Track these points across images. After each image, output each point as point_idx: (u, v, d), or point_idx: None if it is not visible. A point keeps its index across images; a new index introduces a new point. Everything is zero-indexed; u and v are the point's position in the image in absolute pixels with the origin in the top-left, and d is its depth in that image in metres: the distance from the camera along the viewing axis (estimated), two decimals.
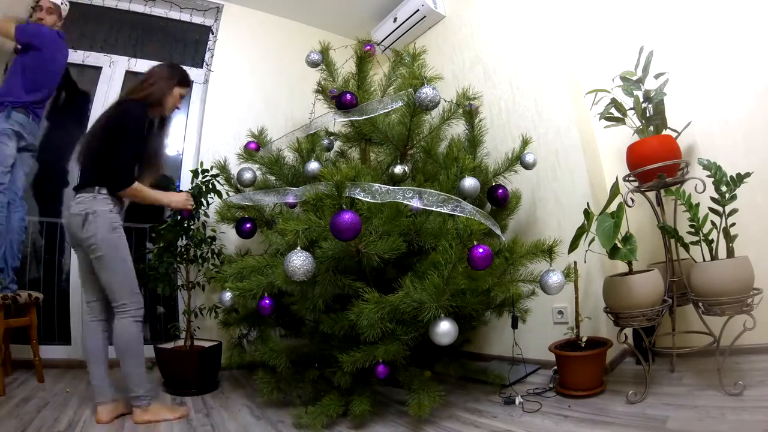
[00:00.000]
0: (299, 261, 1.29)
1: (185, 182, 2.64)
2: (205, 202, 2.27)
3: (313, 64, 2.17)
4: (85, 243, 1.62)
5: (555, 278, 1.53)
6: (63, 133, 2.72)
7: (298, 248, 1.32)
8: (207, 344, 2.21)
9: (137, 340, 1.66)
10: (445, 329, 1.30)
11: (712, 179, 1.52)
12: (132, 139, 1.67)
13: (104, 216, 1.62)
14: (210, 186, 2.28)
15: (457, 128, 2.11)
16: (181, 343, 2.20)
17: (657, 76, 1.79)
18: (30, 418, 1.59)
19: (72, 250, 2.51)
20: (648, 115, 1.79)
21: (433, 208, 1.47)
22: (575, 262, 1.76)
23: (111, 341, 1.69)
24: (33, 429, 1.49)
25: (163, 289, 2.19)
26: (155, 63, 2.91)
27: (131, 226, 2.53)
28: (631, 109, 1.80)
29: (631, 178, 1.82)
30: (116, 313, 1.64)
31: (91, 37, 2.81)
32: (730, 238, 1.49)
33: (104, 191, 1.64)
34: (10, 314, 2.01)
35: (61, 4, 2.39)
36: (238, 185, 2.17)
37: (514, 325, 1.79)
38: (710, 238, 1.52)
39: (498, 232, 1.63)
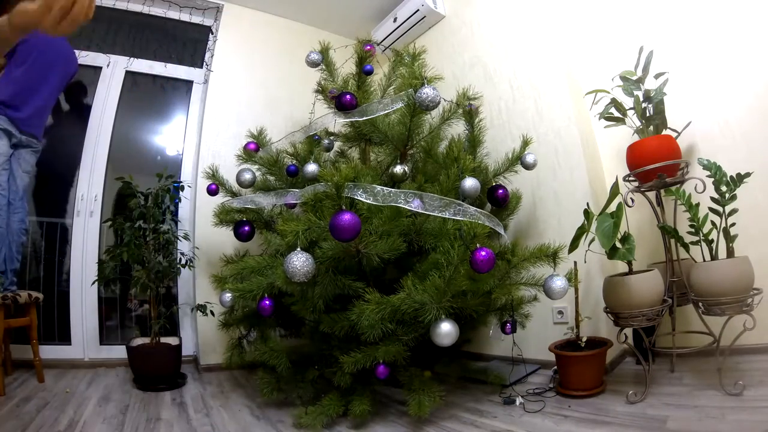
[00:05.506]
0: (299, 262, 1.29)
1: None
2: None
3: (313, 64, 2.16)
4: None
5: (559, 283, 1.51)
6: (64, 133, 2.71)
7: (298, 249, 1.32)
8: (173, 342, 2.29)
9: None
10: (446, 330, 1.30)
11: (712, 179, 1.52)
12: None
13: None
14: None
15: (457, 128, 2.11)
16: (147, 340, 2.27)
17: (657, 76, 1.79)
18: (30, 418, 1.59)
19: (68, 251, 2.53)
20: (648, 115, 1.79)
21: (435, 213, 1.47)
22: (575, 263, 1.76)
23: None
24: (33, 429, 1.49)
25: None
26: (155, 63, 2.96)
27: None
28: (631, 109, 1.80)
29: (631, 178, 1.82)
30: None
31: (88, 37, 2.80)
32: (730, 238, 1.49)
33: None
34: (10, 314, 2.01)
35: None
36: (238, 186, 2.16)
37: (513, 329, 1.79)
38: (710, 238, 1.52)
39: (502, 232, 1.63)
